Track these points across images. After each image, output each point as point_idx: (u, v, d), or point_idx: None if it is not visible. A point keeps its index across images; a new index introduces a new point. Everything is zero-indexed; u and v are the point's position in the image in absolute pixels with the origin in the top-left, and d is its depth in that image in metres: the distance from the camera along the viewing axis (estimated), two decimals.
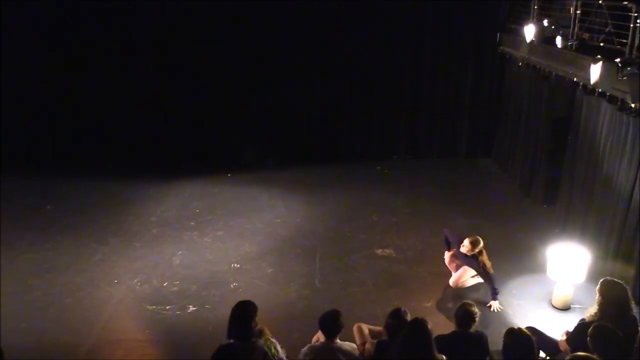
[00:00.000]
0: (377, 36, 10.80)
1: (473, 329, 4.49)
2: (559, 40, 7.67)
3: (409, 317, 4.32)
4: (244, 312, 4.21)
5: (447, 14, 10.75)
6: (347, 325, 4.42)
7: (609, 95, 6.78)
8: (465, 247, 6.24)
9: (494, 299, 6.22)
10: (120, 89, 10.54)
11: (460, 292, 6.51)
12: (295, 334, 5.46)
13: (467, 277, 6.57)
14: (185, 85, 10.74)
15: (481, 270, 6.25)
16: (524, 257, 7.22)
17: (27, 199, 9.18)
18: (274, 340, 4.36)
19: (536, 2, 8.84)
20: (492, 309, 6.14)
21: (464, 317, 4.47)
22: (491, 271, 6.24)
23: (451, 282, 6.57)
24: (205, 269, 7.07)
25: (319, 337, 4.47)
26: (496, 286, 6.25)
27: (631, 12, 6.22)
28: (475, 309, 4.53)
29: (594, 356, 3.75)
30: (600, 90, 6.92)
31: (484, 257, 6.23)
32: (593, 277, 5.98)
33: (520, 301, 6.36)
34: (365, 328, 4.86)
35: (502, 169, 10.80)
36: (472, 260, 6.27)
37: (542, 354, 4.82)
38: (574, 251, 6.04)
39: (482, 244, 6.23)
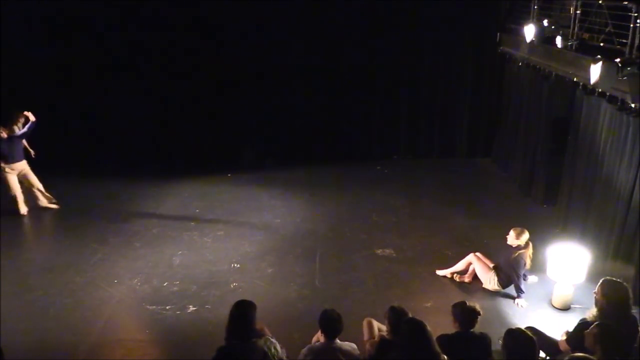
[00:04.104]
0: (377, 36, 10.79)
1: (474, 329, 4.48)
2: (559, 40, 7.66)
3: (407, 310, 4.34)
4: (243, 312, 4.21)
5: (447, 14, 10.74)
6: (347, 325, 4.41)
7: (609, 95, 6.78)
8: (509, 236, 6.41)
9: (518, 296, 6.31)
10: (120, 88, 10.54)
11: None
12: (295, 334, 5.46)
13: (479, 271, 6.62)
14: (185, 85, 10.74)
15: (510, 262, 6.29)
16: None
17: (27, 199, 9.17)
18: (273, 340, 4.36)
19: (536, 2, 8.83)
20: (516, 304, 6.26)
21: (468, 315, 4.44)
22: (520, 271, 6.26)
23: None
24: (205, 269, 7.07)
25: (319, 337, 4.47)
26: (521, 288, 6.28)
27: (631, 12, 6.21)
28: (475, 306, 4.51)
29: (593, 357, 3.75)
30: (600, 90, 6.92)
31: (522, 254, 6.29)
32: (593, 277, 5.98)
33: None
34: (376, 325, 4.84)
35: (502, 169, 10.80)
36: (510, 251, 6.35)
37: (542, 354, 4.82)
38: (574, 251, 6.05)
39: (526, 236, 6.34)
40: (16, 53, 10.07)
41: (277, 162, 11.10)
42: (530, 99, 9.40)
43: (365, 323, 4.87)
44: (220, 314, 5.68)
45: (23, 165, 8.49)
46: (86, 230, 8.13)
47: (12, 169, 8.36)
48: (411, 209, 9.07)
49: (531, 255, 6.41)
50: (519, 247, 6.34)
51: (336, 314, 4.33)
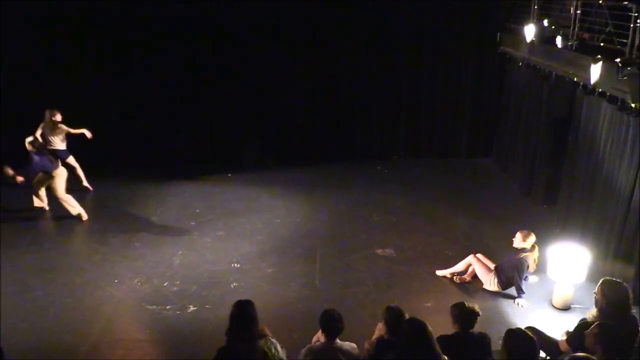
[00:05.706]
0: (377, 36, 10.80)
1: (474, 329, 4.47)
2: (559, 40, 7.67)
3: (403, 310, 4.32)
4: (243, 312, 4.19)
5: (447, 14, 10.75)
6: (347, 325, 4.41)
7: (609, 95, 6.78)
8: (516, 239, 6.41)
9: (519, 296, 6.31)
10: (120, 89, 10.53)
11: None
12: (295, 334, 5.46)
13: (479, 273, 6.62)
14: (185, 85, 10.74)
15: (513, 264, 6.30)
16: None
17: (28, 199, 9.16)
18: (273, 340, 4.35)
19: (536, 2, 8.84)
20: (516, 304, 6.25)
21: (467, 316, 4.43)
22: (522, 274, 6.25)
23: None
24: (205, 269, 7.07)
25: (319, 337, 4.46)
26: (522, 288, 6.28)
27: (631, 12, 6.22)
28: (475, 307, 4.50)
29: (593, 357, 3.75)
30: (600, 90, 6.92)
31: (527, 257, 6.28)
32: (593, 277, 5.99)
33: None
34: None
35: (502, 169, 10.80)
36: (515, 253, 6.36)
37: (542, 354, 4.81)
38: (574, 251, 6.05)
39: (532, 239, 6.34)
40: (15, 52, 10.07)
41: (277, 162, 11.10)
42: (530, 99, 9.40)
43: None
44: (220, 314, 5.70)
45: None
46: (86, 230, 8.12)
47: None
48: (411, 209, 9.07)
49: (537, 260, 6.41)
50: (524, 250, 6.33)
51: (337, 314, 4.33)
